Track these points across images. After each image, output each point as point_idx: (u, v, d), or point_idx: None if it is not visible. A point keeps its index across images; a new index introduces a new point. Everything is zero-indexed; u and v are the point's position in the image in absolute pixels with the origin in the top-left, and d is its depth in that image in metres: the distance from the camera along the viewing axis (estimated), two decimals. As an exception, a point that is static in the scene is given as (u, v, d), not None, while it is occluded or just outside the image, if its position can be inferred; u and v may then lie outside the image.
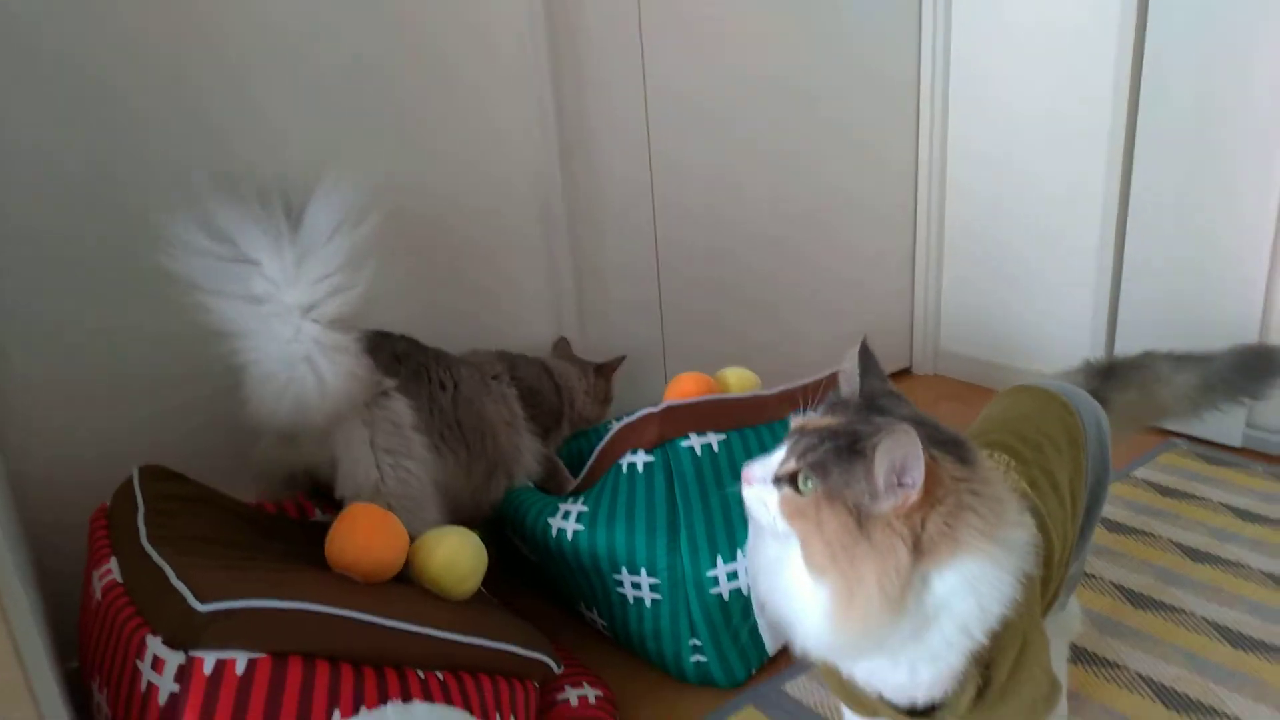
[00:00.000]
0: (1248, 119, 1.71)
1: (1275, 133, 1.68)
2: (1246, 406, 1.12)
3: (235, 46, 1.30)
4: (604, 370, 1.70)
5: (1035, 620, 0.83)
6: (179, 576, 0.92)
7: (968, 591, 0.70)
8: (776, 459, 0.73)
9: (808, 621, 0.71)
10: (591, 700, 1.20)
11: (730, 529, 1.25)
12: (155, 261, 1.04)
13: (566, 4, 1.61)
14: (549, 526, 1.31)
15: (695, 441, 1.32)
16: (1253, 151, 1.71)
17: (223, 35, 1.28)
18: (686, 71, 1.80)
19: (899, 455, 0.68)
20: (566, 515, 1.31)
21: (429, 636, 1.00)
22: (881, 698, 0.79)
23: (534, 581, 1.53)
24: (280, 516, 1.30)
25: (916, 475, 0.68)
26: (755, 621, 1.26)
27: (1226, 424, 1.87)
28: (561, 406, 1.61)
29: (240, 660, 0.86)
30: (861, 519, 0.68)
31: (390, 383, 1.25)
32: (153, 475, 1.16)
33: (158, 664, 0.86)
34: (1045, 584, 0.89)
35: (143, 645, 0.88)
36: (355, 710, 0.89)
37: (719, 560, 1.23)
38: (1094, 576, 1.48)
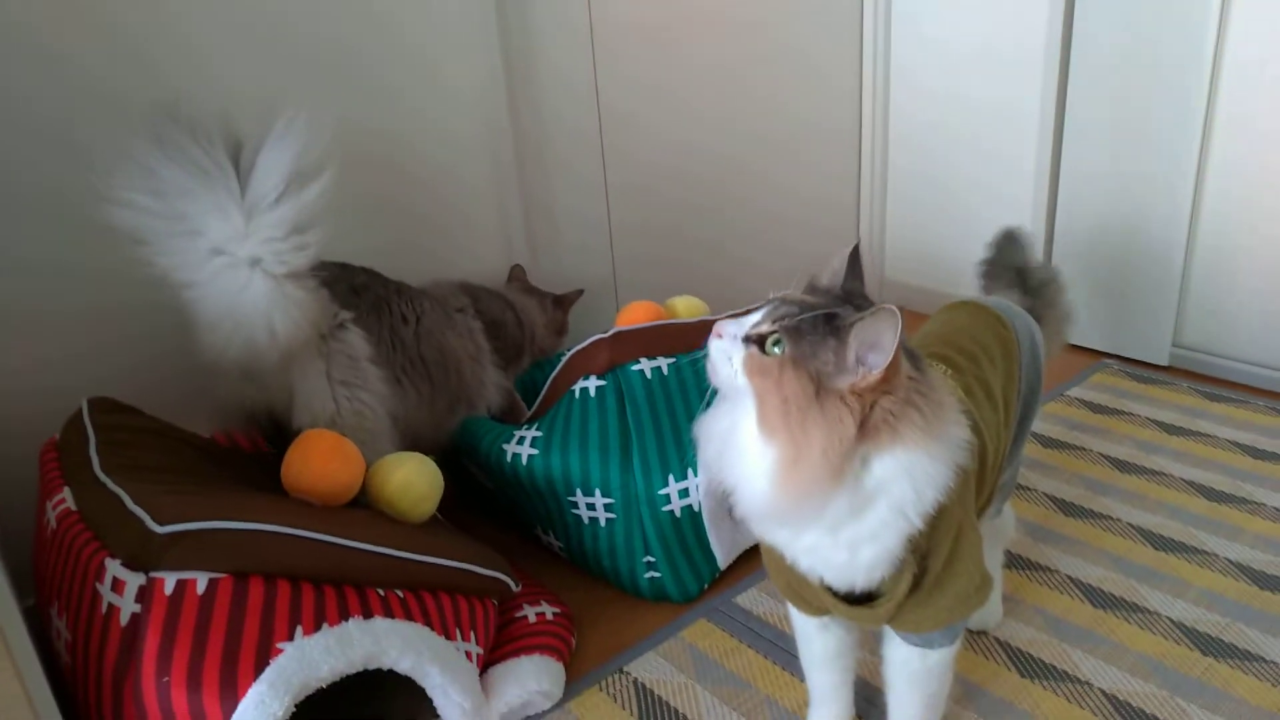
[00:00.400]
0: (1174, 42, 1.76)
1: (1200, 53, 1.73)
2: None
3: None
4: (562, 302, 1.72)
5: (969, 515, 0.88)
6: (136, 501, 0.93)
7: (904, 477, 0.74)
8: (750, 320, 0.77)
9: (754, 483, 0.75)
10: (549, 617, 1.23)
11: (681, 448, 1.28)
12: (100, 208, 1.00)
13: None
14: (504, 452, 1.33)
15: (645, 365, 1.34)
16: (1179, 71, 1.77)
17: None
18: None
19: (875, 332, 0.71)
20: (521, 440, 1.33)
21: (388, 556, 1.02)
22: (823, 583, 0.84)
23: (490, 508, 1.56)
24: (234, 449, 1.31)
25: (885, 354, 0.71)
26: (707, 536, 1.31)
27: (1154, 343, 1.96)
28: (523, 340, 1.62)
29: (201, 580, 0.87)
30: (819, 389, 0.72)
31: (347, 315, 1.24)
32: (102, 407, 1.15)
33: (118, 585, 0.87)
34: (981, 483, 0.94)
35: (102, 568, 0.88)
36: (318, 627, 0.90)
37: (670, 479, 1.27)
38: (1028, 488, 1.55)
